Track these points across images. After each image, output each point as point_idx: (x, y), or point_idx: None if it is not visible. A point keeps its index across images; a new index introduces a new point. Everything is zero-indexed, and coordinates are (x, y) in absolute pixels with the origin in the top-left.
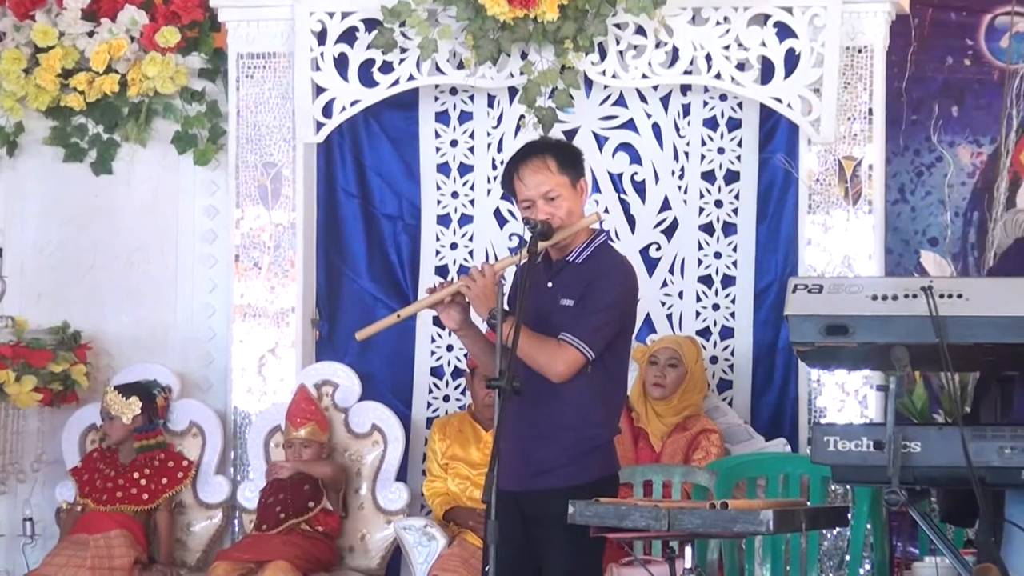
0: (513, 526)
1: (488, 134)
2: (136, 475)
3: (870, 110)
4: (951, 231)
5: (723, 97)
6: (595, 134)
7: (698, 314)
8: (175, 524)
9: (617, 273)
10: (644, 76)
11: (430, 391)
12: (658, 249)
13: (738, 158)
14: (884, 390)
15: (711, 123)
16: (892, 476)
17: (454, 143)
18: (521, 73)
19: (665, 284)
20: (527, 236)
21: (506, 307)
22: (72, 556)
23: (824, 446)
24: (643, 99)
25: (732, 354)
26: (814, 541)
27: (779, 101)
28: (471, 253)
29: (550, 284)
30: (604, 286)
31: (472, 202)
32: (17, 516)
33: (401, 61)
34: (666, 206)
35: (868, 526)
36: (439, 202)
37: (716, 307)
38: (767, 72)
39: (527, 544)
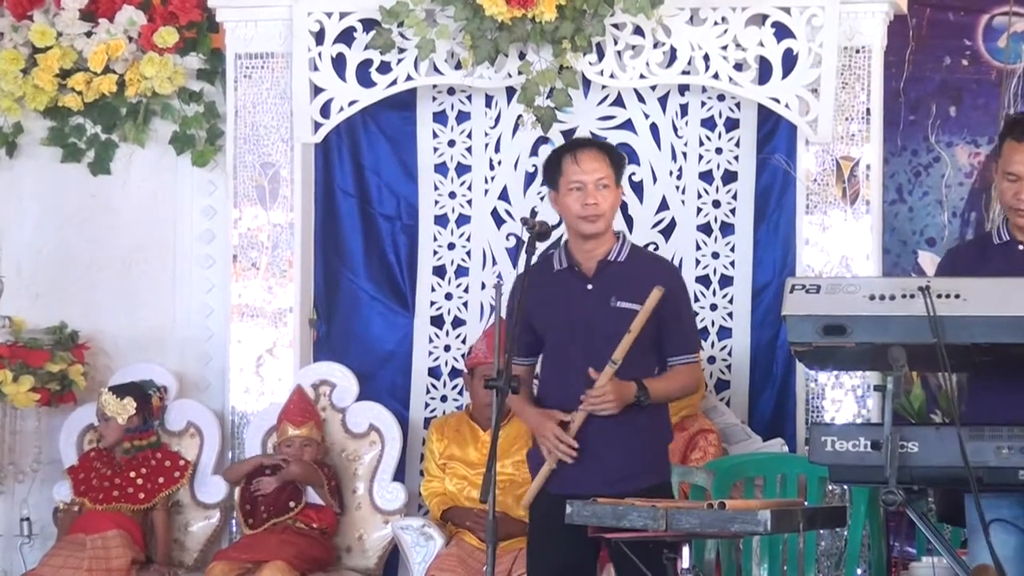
0: (566, 531)
1: (486, 134)
2: (132, 474)
3: (868, 110)
4: (949, 231)
5: (721, 97)
6: (593, 134)
7: (696, 314)
8: (173, 524)
9: (678, 274)
10: (642, 76)
11: (427, 391)
12: (656, 249)
13: (736, 158)
14: (881, 390)
15: (709, 123)
16: (889, 476)
17: (452, 143)
18: (519, 73)
19: None
20: (524, 236)
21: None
22: (69, 557)
23: (822, 446)
24: (641, 99)
25: (730, 354)
26: (811, 541)
27: (777, 101)
28: (468, 253)
29: (590, 287)
30: (681, 291)
31: (470, 202)
32: (14, 516)
33: (399, 61)
34: (664, 206)
35: (865, 526)
36: (437, 202)
37: (714, 307)
38: (765, 72)
39: (577, 547)
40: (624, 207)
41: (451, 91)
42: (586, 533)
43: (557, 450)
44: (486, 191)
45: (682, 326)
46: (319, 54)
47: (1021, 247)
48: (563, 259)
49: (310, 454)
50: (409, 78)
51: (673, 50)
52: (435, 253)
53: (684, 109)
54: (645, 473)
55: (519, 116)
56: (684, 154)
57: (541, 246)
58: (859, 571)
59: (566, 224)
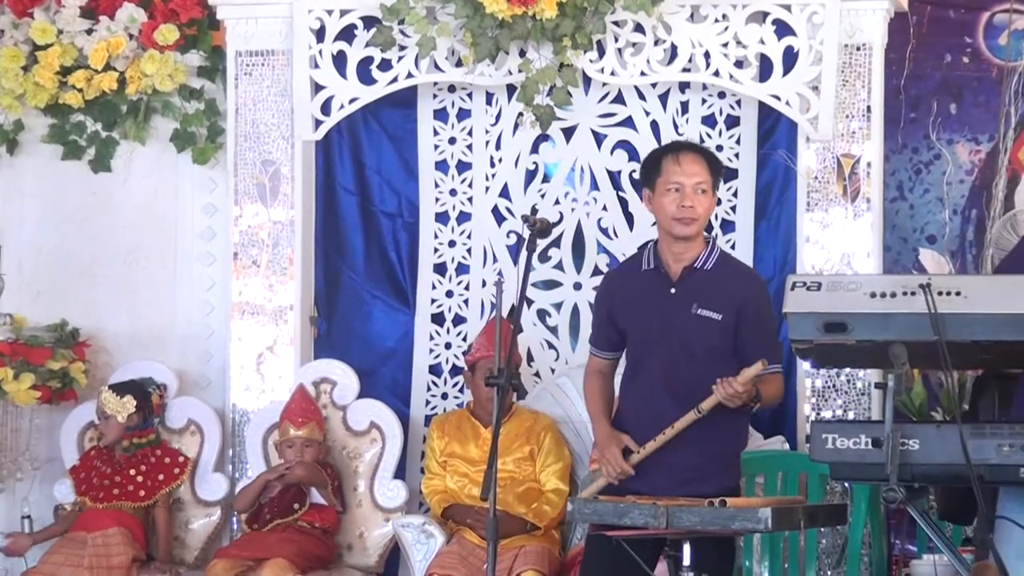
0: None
1: (486, 131)
2: (132, 472)
3: (868, 108)
4: (949, 229)
5: (721, 95)
6: (593, 131)
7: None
8: (174, 522)
9: (764, 284)
10: (642, 73)
11: (428, 389)
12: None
13: (736, 155)
14: (882, 388)
15: (710, 120)
16: (890, 474)
17: (452, 140)
18: (519, 71)
19: None
20: (525, 233)
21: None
22: (71, 554)
23: (822, 444)
24: (641, 96)
25: None
26: (812, 539)
27: (777, 99)
28: (469, 251)
29: (673, 291)
30: (766, 303)
31: (470, 199)
32: (15, 514)
33: (400, 59)
34: None
35: (866, 524)
36: (437, 199)
37: None
38: (765, 70)
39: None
40: (625, 204)
41: (452, 88)
42: (645, 545)
43: (610, 476)
44: (487, 188)
45: (765, 337)
46: (320, 51)
47: None
48: (651, 260)
49: (311, 455)
50: (410, 75)
51: (674, 47)
52: (436, 251)
53: (685, 106)
54: (714, 477)
55: (520, 114)
56: None
57: (542, 243)
58: (860, 569)
59: (659, 225)
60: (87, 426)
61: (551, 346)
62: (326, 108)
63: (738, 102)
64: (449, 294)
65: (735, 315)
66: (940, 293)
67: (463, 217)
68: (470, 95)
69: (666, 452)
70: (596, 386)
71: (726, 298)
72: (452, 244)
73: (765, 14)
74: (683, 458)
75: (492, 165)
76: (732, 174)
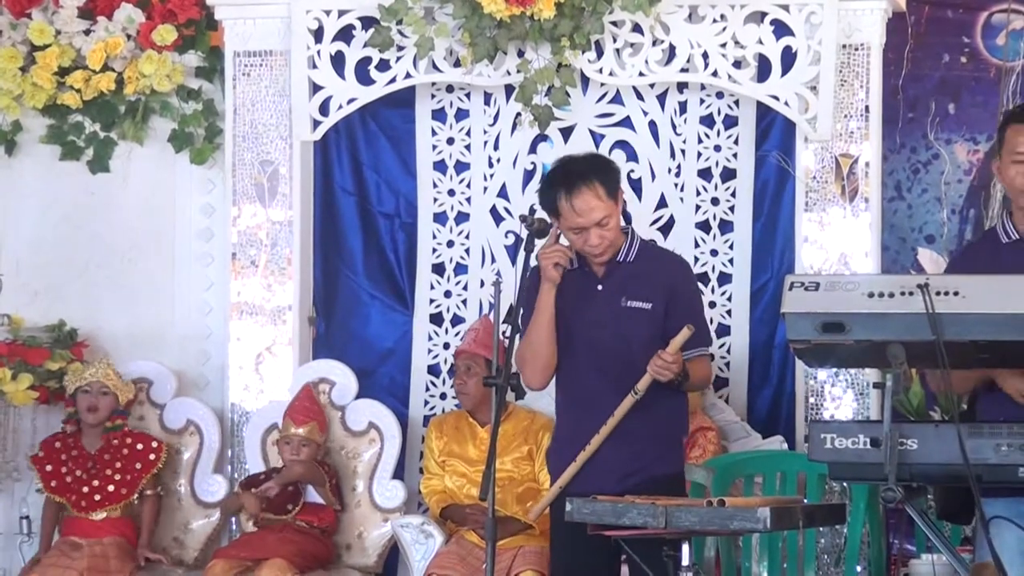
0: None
1: (485, 132)
2: (109, 471)
3: (867, 108)
4: (948, 228)
5: (720, 95)
6: (592, 132)
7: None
8: (171, 522)
9: (687, 267)
10: (641, 74)
11: (427, 389)
12: None
13: (735, 156)
14: (881, 387)
15: (708, 121)
16: (889, 473)
17: (451, 141)
18: (518, 71)
19: None
20: (523, 234)
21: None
22: (62, 556)
23: (821, 443)
24: (640, 97)
25: (729, 351)
26: (811, 538)
27: (776, 99)
28: (467, 251)
29: (600, 287)
30: (691, 285)
31: (469, 200)
32: (13, 514)
33: (398, 59)
34: (662, 204)
35: (865, 523)
36: (436, 200)
37: (713, 305)
38: (764, 70)
39: (599, 548)
40: (623, 204)
41: (450, 89)
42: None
43: (547, 257)
44: (485, 189)
45: (694, 319)
46: (318, 52)
47: None
48: (575, 259)
49: (307, 454)
50: (408, 76)
51: (672, 48)
52: (434, 251)
53: (683, 107)
54: (656, 462)
55: (518, 114)
56: (683, 151)
57: (540, 243)
58: (858, 568)
59: None
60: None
61: None
62: (324, 108)
63: (736, 102)
64: (447, 294)
65: (663, 303)
66: (938, 293)
67: (461, 217)
68: (468, 95)
69: (606, 449)
70: None
71: (653, 287)
72: (450, 244)
73: (763, 14)
74: (622, 452)
75: (490, 165)
76: (730, 174)
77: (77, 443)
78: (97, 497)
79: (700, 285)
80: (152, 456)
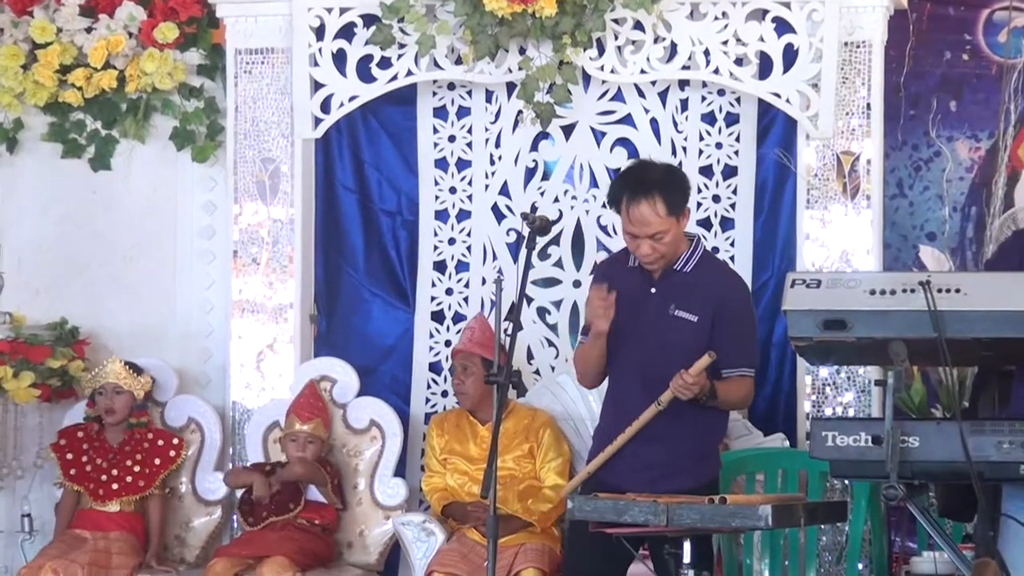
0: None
1: (486, 129)
2: (129, 462)
3: (868, 105)
4: (949, 226)
5: (721, 92)
6: (593, 129)
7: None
8: (172, 519)
9: (743, 286)
10: (642, 71)
11: (428, 386)
12: None
13: (736, 153)
14: (882, 385)
15: (709, 118)
16: (890, 471)
17: (452, 138)
18: (519, 68)
19: None
20: (525, 231)
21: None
22: (66, 548)
23: (822, 441)
24: (641, 94)
25: None
26: (812, 536)
27: (777, 96)
28: (469, 248)
29: (653, 290)
30: (742, 305)
31: (470, 197)
32: (16, 512)
33: (399, 57)
34: None
35: (867, 521)
36: (437, 197)
37: None
38: (765, 67)
39: (613, 549)
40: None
41: (451, 86)
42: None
43: (594, 314)
44: (486, 186)
45: (740, 339)
46: (319, 50)
47: None
48: (636, 258)
49: (313, 451)
50: (409, 73)
51: (673, 45)
52: (435, 248)
53: (684, 104)
54: (686, 473)
55: (519, 111)
56: (684, 149)
57: (541, 241)
58: (860, 566)
59: None
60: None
61: (551, 344)
62: (326, 106)
63: (738, 99)
64: (449, 292)
65: (711, 317)
66: (940, 290)
67: (463, 215)
68: (470, 93)
69: (638, 447)
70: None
71: (703, 300)
72: (452, 242)
73: (765, 11)
74: (654, 454)
75: (492, 163)
76: (731, 172)
77: (100, 436)
78: (115, 486)
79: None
80: (172, 453)
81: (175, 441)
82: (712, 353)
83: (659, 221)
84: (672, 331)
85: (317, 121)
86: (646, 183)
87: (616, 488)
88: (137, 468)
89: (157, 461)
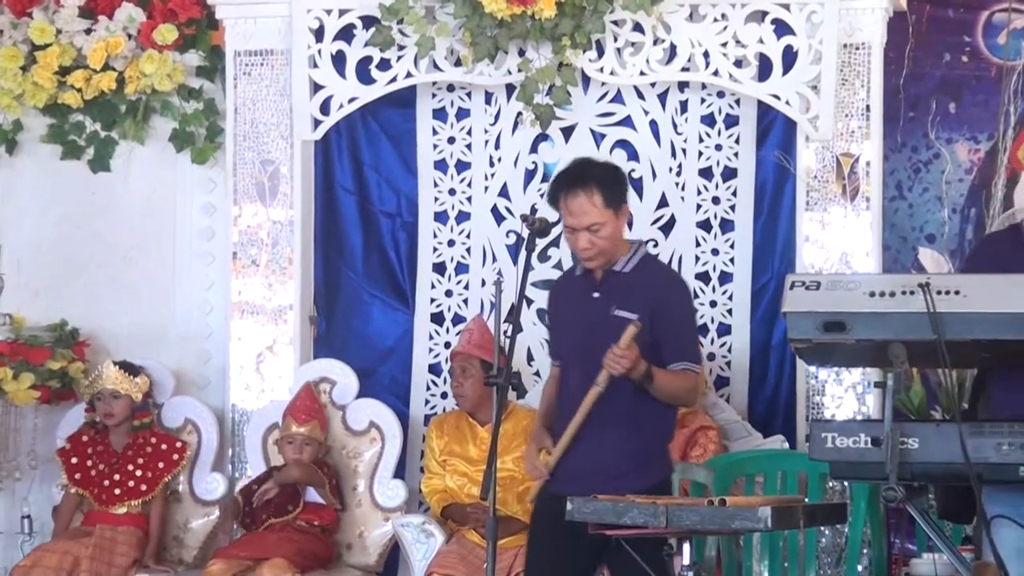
0: (565, 530)
1: (486, 131)
2: (131, 467)
3: (868, 107)
4: (949, 228)
5: (721, 94)
6: (592, 131)
7: (699, 327)
8: (170, 520)
9: (681, 284)
10: (642, 73)
11: (428, 388)
12: (655, 246)
13: (736, 155)
14: (882, 386)
15: (708, 120)
16: (890, 472)
17: (452, 140)
18: (519, 70)
19: None
20: (524, 233)
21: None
22: (67, 542)
23: (822, 443)
24: (640, 96)
25: (729, 351)
26: (812, 538)
27: (777, 98)
28: (468, 250)
29: (596, 294)
30: (680, 301)
31: (469, 199)
32: (15, 513)
33: (399, 58)
34: (663, 203)
35: (866, 523)
36: (436, 199)
37: (713, 304)
38: (765, 69)
39: (578, 550)
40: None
41: (451, 88)
42: (586, 532)
43: (530, 474)
44: (486, 188)
45: (679, 336)
46: (319, 51)
47: None
48: (581, 266)
49: (310, 453)
50: (409, 75)
51: (673, 47)
52: (435, 250)
53: (684, 106)
54: (638, 473)
55: (519, 113)
56: (684, 151)
57: (541, 242)
58: (860, 568)
59: None
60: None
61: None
62: (325, 108)
63: (737, 101)
64: (448, 293)
65: (650, 315)
66: (939, 292)
67: (462, 216)
68: (469, 94)
69: (589, 451)
70: (547, 392)
71: (643, 300)
72: (451, 243)
73: (764, 13)
74: (604, 456)
75: (491, 164)
76: (731, 173)
77: (104, 439)
78: (117, 491)
79: (702, 285)
80: (175, 456)
81: (178, 445)
82: (637, 322)
83: (595, 212)
84: (614, 330)
85: (316, 123)
86: (583, 176)
87: (568, 493)
88: (140, 472)
89: (160, 465)
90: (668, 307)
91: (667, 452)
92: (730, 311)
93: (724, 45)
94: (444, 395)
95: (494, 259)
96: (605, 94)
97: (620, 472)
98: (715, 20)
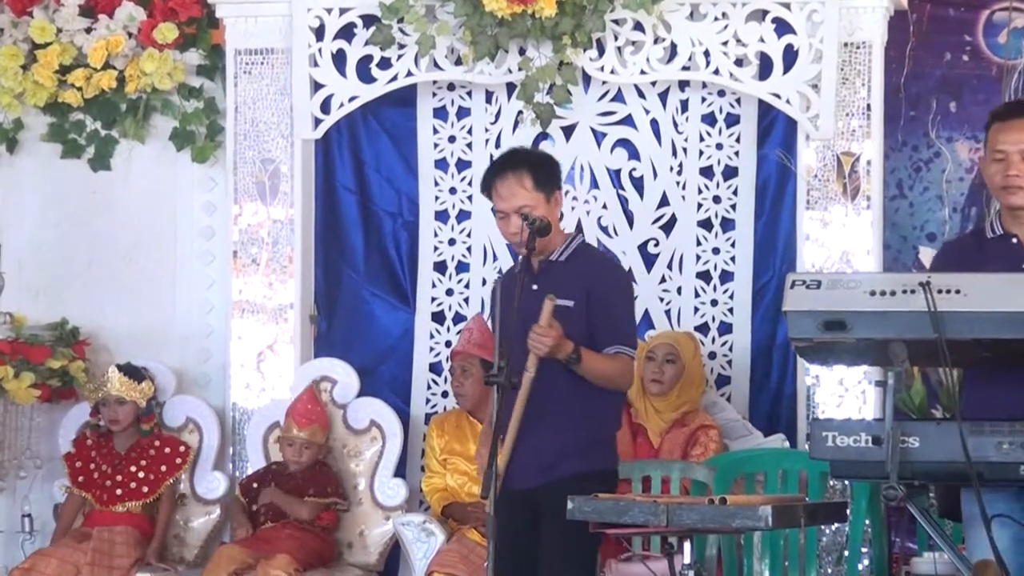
0: (523, 524)
1: (486, 130)
2: (134, 468)
3: (868, 106)
4: (949, 226)
5: (721, 93)
6: (593, 130)
7: (696, 310)
8: (172, 520)
9: (615, 269)
10: (642, 72)
11: (429, 387)
12: (656, 245)
13: (736, 154)
14: (882, 385)
15: (709, 119)
16: (890, 471)
17: (452, 139)
18: (519, 69)
19: (663, 280)
20: (524, 232)
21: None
22: (69, 546)
23: (823, 441)
24: (641, 95)
25: (730, 350)
26: (813, 537)
27: (778, 97)
28: (469, 249)
29: (535, 286)
30: (613, 285)
31: (470, 198)
32: (16, 512)
33: (399, 57)
34: (664, 202)
35: (867, 522)
36: (437, 198)
37: (714, 303)
38: (765, 68)
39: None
40: (624, 202)
41: (451, 87)
42: (524, 514)
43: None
44: None
45: (612, 319)
46: (319, 50)
47: (1015, 240)
48: (521, 260)
49: (309, 456)
50: (409, 74)
51: (673, 46)
52: (436, 249)
53: (684, 105)
54: (582, 456)
55: (519, 112)
56: (684, 150)
57: (541, 242)
58: (860, 567)
59: None
60: (87, 424)
61: None
62: (326, 106)
63: (738, 100)
64: (449, 292)
65: (585, 300)
66: (940, 291)
67: (463, 215)
68: (470, 93)
69: (529, 444)
70: None
71: (577, 286)
72: (452, 242)
73: (765, 12)
74: (544, 446)
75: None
76: (732, 172)
77: (108, 442)
78: (119, 492)
79: (703, 283)
80: (178, 460)
81: (181, 448)
82: (551, 296)
83: (525, 194)
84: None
85: (317, 122)
86: (513, 159)
87: (512, 487)
88: (142, 474)
89: (163, 468)
90: (601, 291)
91: (612, 443)
92: (731, 310)
93: (725, 44)
94: (445, 394)
95: (495, 258)
96: (606, 93)
97: (561, 459)
98: (716, 19)
